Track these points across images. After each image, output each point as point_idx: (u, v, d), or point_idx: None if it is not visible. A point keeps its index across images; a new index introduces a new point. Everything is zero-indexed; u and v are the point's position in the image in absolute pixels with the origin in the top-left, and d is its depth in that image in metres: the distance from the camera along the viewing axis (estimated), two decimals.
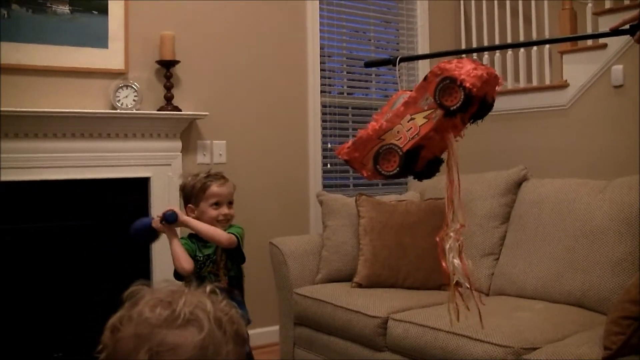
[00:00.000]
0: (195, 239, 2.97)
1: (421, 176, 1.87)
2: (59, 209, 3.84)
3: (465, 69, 1.73)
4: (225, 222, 3.00)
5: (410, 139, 1.75)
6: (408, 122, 1.76)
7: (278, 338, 4.06)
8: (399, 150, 1.76)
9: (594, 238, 3.18)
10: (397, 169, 1.77)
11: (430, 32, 5.42)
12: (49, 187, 3.79)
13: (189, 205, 3.00)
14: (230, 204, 3.06)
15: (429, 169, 1.86)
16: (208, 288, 1.09)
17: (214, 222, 2.95)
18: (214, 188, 2.99)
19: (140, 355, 0.98)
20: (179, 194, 3.12)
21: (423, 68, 5.26)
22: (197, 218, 2.95)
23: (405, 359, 3.14)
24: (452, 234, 1.85)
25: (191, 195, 3.00)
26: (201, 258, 2.95)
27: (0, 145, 3.62)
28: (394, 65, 2.03)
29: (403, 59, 2.01)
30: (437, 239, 1.90)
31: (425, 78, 1.80)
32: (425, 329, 3.02)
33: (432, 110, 1.75)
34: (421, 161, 1.81)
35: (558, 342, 2.67)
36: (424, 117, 1.75)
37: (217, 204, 2.99)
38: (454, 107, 1.73)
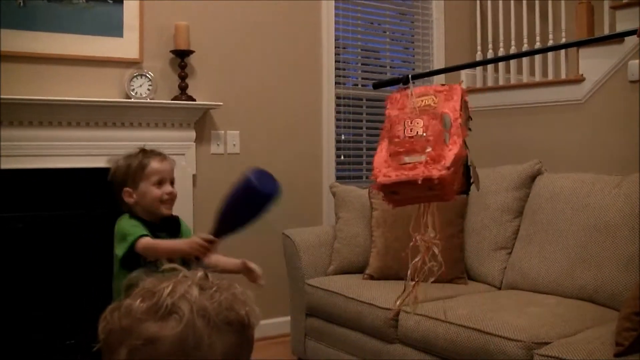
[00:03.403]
0: (142, 222, 2.58)
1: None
2: (73, 197, 3.86)
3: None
4: (170, 203, 2.65)
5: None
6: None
7: (289, 329, 4.07)
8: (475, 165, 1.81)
9: (608, 233, 3.17)
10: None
11: (446, 25, 5.40)
12: (63, 175, 3.80)
13: (126, 189, 2.59)
14: (172, 182, 2.69)
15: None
16: (199, 274, 1.05)
17: (157, 202, 2.60)
18: (155, 164, 2.63)
19: (121, 351, 0.96)
20: (111, 180, 2.64)
21: (438, 80, 5.26)
22: (137, 202, 2.59)
23: (417, 352, 3.14)
24: (424, 243, 1.90)
25: (127, 176, 2.61)
26: None
27: (15, 133, 3.64)
28: (404, 83, 1.98)
29: (415, 77, 1.97)
30: (415, 238, 1.93)
31: (460, 100, 1.83)
32: (436, 321, 3.02)
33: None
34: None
35: (570, 338, 2.66)
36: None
37: (160, 182, 2.62)
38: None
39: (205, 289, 1.02)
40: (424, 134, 1.74)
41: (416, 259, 1.87)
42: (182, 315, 0.97)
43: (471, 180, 1.79)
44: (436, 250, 1.84)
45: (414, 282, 1.91)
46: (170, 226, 2.68)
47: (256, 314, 1.06)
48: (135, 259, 2.47)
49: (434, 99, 1.80)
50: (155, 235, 2.54)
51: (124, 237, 2.50)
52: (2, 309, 3.63)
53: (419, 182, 1.68)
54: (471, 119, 1.89)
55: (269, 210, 2.44)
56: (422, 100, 1.82)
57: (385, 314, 3.29)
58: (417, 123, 1.77)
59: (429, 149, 1.70)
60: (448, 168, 1.68)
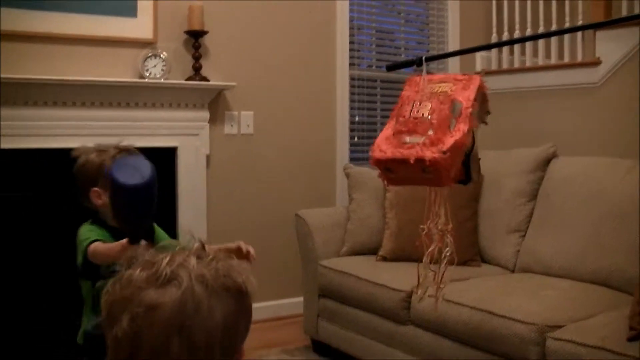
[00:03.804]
0: (103, 226, 2.34)
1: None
2: None
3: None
4: None
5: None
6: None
7: (302, 309, 4.08)
8: (478, 157, 1.78)
9: (622, 217, 3.16)
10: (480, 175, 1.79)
11: (461, 6, 5.35)
12: None
13: (95, 189, 2.32)
14: None
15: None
16: (196, 245, 1.09)
17: None
18: None
19: (123, 319, 0.99)
20: (77, 174, 2.38)
21: (452, 62, 5.25)
22: (106, 204, 2.22)
23: (429, 333, 3.14)
24: (437, 231, 1.87)
25: (98, 174, 2.30)
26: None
27: (29, 113, 3.66)
28: (418, 65, 1.97)
29: (428, 59, 1.96)
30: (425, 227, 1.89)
31: (477, 90, 1.80)
32: (449, 304, 3.02)
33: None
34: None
35: (583, 321, 2.66)
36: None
37: None
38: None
39: (203, 258, 1.05)
40: (429, 117, 1.73)
41: (431, 248, 1.85)
42: (181, 281, 1.00)
43: (471, 171, 1.77)
44: (449, 240, 1.82)
45: (435, 272, 1.90)
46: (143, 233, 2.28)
47: (252, 284, 1.08)
48: (94, 268, 2.24)
49: (452, 86, 1.78)
50: (111, 237, 2.28)
51: (80, 245, 2.26)
52: (8, 285, 3.67)
53: (411, 161, 1.67)
54: (489, 113, 1.87)
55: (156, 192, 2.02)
56: (439, 87, 1.80)
57: (398, 295, 3.30)
58: (425, 106, 1.76)
59: (430, 132, 1.69)
60: (444, 152, 1.66)
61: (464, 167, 1.76)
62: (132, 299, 0.99)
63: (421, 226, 1.86)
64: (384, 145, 1.74)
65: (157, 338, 0.97)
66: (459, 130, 1.69)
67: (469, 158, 1.78)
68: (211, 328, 1.00)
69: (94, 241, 2.22)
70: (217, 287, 1.02)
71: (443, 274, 1.88)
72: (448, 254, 1.86)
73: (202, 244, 1.10)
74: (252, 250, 2.26)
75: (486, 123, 1.86)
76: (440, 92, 1.78)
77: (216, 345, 1.00)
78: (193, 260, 1.03)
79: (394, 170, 1.74)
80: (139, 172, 2.00)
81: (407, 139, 1.71)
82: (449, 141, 1.66)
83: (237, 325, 1.04)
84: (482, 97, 1.80)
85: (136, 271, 1.03)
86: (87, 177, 2.33)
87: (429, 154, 1.65)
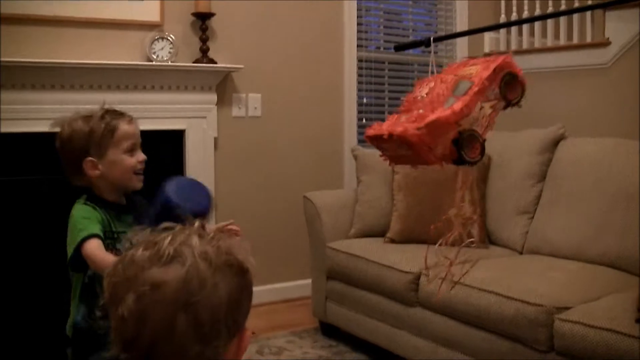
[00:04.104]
0: (103, 205, 2.12)
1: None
2: None
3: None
4: (142, 177, 2.21)
5: (485, 127, 1.73)
6: (479, 110, 1.72)
7: (310, 291, 4.09)
8: (480, 137, 1.72)
9: (631, 199, 3.14)
10: (480, 156, 1.73)
11: None
12: None
13: (89, 159, 2.09)
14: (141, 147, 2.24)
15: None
16: (196, 225, 1.09)
17: (130, 174, 2.15)
18: (125, 126, 2.15)
19: (128, 298, 0.99)
20: (63, 148, 2.17)
21: (461, 43, 5.22)
22: (103, 175, 2.11)
23: (437, 315, 3.15)
24: (460, 219, 1.79)
25: (89, 143, 2.10)
26: (116, 235, 2.10)
27: (36, 96, 3.66)
28: (426, 46, 1.95)
29: (436, 39, 1.94)
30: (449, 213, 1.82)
31: (495, 70, 1.76)
32: (457, 285, 3.02)
33: (497, 101, 1.73)
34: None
35: (591, 303, 2.66)
36: (490, 107, 1.72)
37: (132, 149, 2.17)
38: (515, 101, 1.75)
39: (204, 237, 1.06)
40: (425, 95, 1.71)
41: (448, 235, 1.79)
42: (185, 259, 1.01)
43: (463, 151, 1.72)
44: (473, 230, 1.78)
45: (450, 262, 1.86)
46: (137, 207, 2.21)
47: (252, 263, 1.09)
48: (84, 263, 2.01)
49: (479, 68, 1.75)
50: (120, 219, 2.13)
51: (73, 232, 2.03)
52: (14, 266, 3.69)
53: (385, 136, 1.64)
54: (522, 96, 1.79)
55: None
56: (469, 69, 1.77)
57: (406, 277, 3.30)
58: (428, 85, 1.75)
59: (421, 110, 1.67)
60: (418, 129, 1.63)
61: (453, 145, 1.71)
62: (137, 279, 1.00)
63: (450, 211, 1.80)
64: (380, 124, 1.73)
65: (163, 315, 0.98)
66: (450, 109, 1.65)
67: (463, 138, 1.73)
68: (216, 304, 1.00)
69: (91, 236, 1.98)
70: (220, 264, 1.03)
71: (457, 260, 1.85)
72: (470, 243, 1.81)
73: (202, 224, 1.10)
74: (235, 227, 2.05)
75: (520, 106, 1.80)
76: (466, 74, 1.76)
77: (221, 321, 1.01)
78: (195, 239, 1.04)
79: (386, 148, 1.73)
80: (200, 198, 1.95)
81: (403, 118, 1.70)
82: (429, 118, 1.62)
83: (241, 302, 1.05)
84: (511, 78, 1.75)
85: (138, 251, 1.03)
86: (76, 148, 2.11)
87: (399, 129, 1.61)
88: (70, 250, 2.01)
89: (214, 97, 4.27)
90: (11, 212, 3.68)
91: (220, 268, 1.02)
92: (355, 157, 4.19)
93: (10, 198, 3.68)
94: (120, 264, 1.04)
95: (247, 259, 1.08)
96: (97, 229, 2.01)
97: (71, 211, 2.09)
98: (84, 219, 2.04)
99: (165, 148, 4.11)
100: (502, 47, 5.05)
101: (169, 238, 1.04)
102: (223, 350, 1.02)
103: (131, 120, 2.19)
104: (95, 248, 1.97)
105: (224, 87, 4.35)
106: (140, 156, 2.18)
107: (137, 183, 2.18)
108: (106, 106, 2.22)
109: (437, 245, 1.78)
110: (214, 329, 1.00)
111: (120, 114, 2.17)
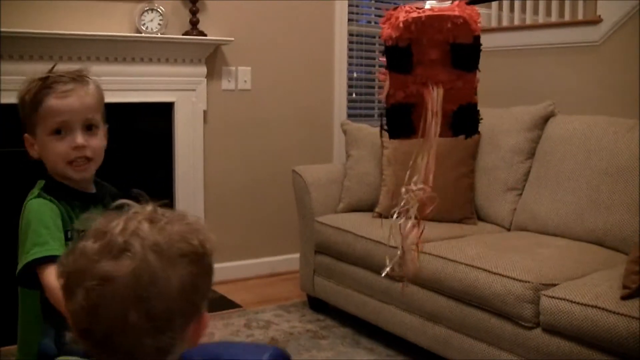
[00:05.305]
0: (64, 194, 1.71)
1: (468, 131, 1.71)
2: None
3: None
4: (84, 166, 1.71)
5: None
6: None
7: (298, 265, 4.10)
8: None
9: (619, 177, 3.16)
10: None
11: None
12: None
13: (25, 135, 1.74)
14: (91, 127, 1.72)
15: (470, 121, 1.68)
16: (149, 208, 1.05)
17: (62, 163, 1.69)
18: (51, 101, 1.67)
19: (78, 293, 0.97)
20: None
21: None
22: (42, 158, 1.73)
23: (424, 290, 3.16)
24: (416, 189, 1.66)
25: (22, 116, 1.73)
26: (70, 235, 1.66)
27: (22, 67, 3.62)
28: None
29: None
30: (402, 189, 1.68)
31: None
32: (445, 260, 3.04)
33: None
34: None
35: (577, 280, 2.67)
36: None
37: (61, 131, 1.67)
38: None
39: (156, 222, 1.02)
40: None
41: (400, 207, 1.69)
42: (135, 252, 0.97)
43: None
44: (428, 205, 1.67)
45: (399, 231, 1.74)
46: (107, 195, 1.81)
47: (211, 241, 1.06)
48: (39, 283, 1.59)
49: None
50: (88, 211, 1.69)
51: (27, 242, 1.62)
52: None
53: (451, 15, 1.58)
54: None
55: None
56: None
57: (394, 252, 3.30)
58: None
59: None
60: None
61: (456, 118, 1.68)
62: (86, 272, 0.97)
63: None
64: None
65: (113, 310, 0.96)
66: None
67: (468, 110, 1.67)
68: (169, 297, 0.98)
69: (50, 259, 1.55)
70: (172, 255, 0.99)
71: (413, 232, 1.71)
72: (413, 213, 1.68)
73: (154, 206, 1.06)
74: None
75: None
76: None
77: (175, 311, 0.99)
78: (146, 227, 1.00)
79: (422, 43, 1.60)
80: None
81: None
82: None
83: (196, 288, 1.02)
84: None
85: (89, 242, 1.00)
86: (21, 123, 1.74)
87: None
88: (21, 262, 1.61)
89: (203, 69, 4.24)
90: (11, 184, 3.66)
91: (172, 258, 0.99)
92: (345, 132, 4.18)
93: (11, 169, 3.66)
94: (71, 255, 1.01)
95: (205, 239, 1.05)
96: (57, 245, 1.59)
97: (24, 205, 1.69)
98: (44, 227, 1.62)
99: (154, 121, 4.09)
100: (494, 23, 5.03)
101: (120, 227, 1.00)
102: (180, 336, 1.01)
103: (71, 90, 1.69)
104: (55, 279, 1.29)
105: (213, 59, 4.33)
106: (75, 140, 1.67)
107: (74, 174, 1.70)
108: (55, 69, 1.76)
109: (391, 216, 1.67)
110: (168, 320, 0.98)
111: (59, 81, 1.70)
